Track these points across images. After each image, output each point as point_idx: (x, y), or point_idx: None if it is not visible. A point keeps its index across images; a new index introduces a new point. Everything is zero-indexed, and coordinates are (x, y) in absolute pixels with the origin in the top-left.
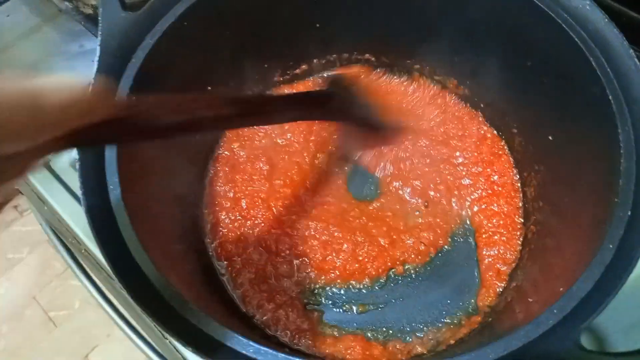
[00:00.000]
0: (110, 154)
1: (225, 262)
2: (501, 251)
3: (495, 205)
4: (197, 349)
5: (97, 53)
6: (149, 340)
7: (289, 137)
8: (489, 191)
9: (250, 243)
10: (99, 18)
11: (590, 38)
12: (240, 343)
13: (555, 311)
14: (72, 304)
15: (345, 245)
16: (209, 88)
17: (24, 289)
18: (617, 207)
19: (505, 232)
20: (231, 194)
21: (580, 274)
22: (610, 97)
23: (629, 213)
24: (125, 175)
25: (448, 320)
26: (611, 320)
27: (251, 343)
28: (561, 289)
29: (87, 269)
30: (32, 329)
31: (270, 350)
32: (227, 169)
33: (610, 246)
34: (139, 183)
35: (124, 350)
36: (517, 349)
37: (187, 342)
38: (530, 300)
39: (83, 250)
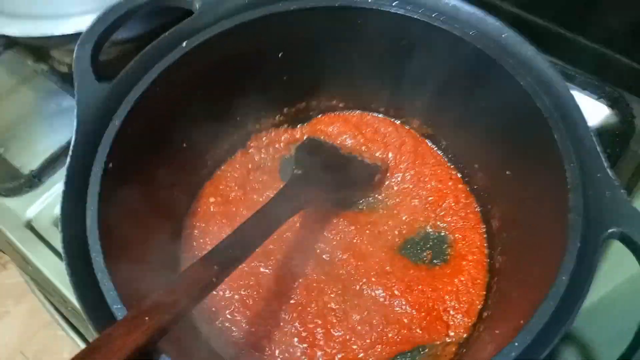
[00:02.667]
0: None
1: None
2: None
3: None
4: None
5: (75, 124)
6: None
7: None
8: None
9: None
10: (75, 91)
11: (535, 82)
12: None
13: (516, 344)
14: (60, 355)
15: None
16: (184, 145)
17: (11, 342)
18: (569, 240)
19: (473, 263)
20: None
21: (539, 305)
22: (555, 137)
23: (578, 245)
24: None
25: (427, 350)
26: (596, 331)
27: None
28: (521, 321)
29: (73, 322)
30: None
31: None
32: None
33: (564, 278)
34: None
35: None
36: None
37: None
38: (497, 332)
39: (69, 308)
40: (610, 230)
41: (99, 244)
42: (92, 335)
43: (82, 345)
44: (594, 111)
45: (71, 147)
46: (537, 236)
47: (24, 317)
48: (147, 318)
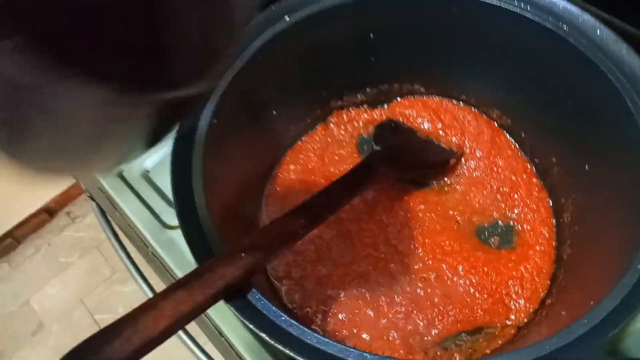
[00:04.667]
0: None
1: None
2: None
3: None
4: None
5: None
6: (196, 338)
7: None
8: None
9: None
10: None
11: (626, 79)
12: (304, 333)
13: (585, 321)
14: (116, 309)
15: None
16: (274, 113)
17: (74, 291)
18: None
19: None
20: None
21: (609, 292)
22: None
23: None
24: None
25: (486, 330)
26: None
27: (314, 334)
28: (592, 303)
29: (144, 272)
30: (79, 330)
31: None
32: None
33: (639, 267)
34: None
35: (172, 348)
36: (545, 354)
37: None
38: (563, 313)
39: (150, 253)
40: None
41: (203, 186)
42: (168, 282)
43: (150, 294)
44: None
45: None
46: (611, 231)
47: (86, 270)
48: (243, 254)
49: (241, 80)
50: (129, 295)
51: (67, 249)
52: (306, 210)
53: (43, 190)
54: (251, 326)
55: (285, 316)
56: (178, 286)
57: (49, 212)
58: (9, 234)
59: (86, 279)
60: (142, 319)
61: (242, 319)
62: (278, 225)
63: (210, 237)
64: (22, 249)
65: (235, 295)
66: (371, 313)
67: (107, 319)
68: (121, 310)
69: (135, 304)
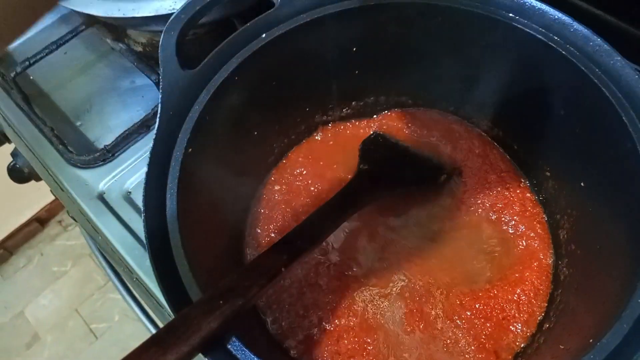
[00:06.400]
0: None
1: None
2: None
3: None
4: None
5: (159, 109)
6: None
7: None
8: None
9: None
10: (160, 77)
11: (621, 93)
12: None
13: None
14: (112, 317)
15: None
16: (255, 133)
17: (67, 301)
18: None
19: (536, 273)
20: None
21: (610, 325)
22: None
23: None
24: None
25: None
26: None
27: None
28: (591, 340)
29: (129, 285)
30: (74, 340)
31: None
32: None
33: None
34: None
35: None
36: None
37: None
38: (561, 347)
39: (135, 279)
40: None
41: (177, 226)
42: (152, 302)
43: (136, 309)
44: None
45: (155, 132)
46: (610, 252)
47: (80, 278)
48: (221, 301)
49: (216, 104)
50: (124, 302)
51: (59, 258)
52: (288, 245)
53: (33, 199)
54: None
55: None
56: (151, 344)
57: (40, 221)
58: (0, 245)
59: (80, 288)
60: None
61: None
62: (258, 265)
63: (187, 279)
64: (14, 260)
65: (213, 347)
66: (369, 340)
67: (103, 328)
68: (117, 319)
69: (131, 313)
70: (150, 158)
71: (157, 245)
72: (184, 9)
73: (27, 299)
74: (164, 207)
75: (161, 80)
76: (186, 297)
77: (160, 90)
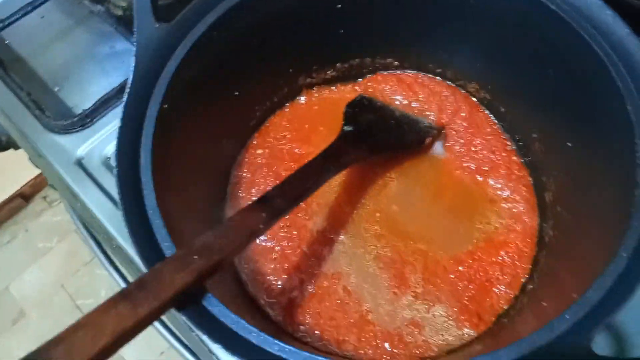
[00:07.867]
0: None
1: None
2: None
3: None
4: (223, 345)
5: (133, 63)
6: (174, 330)
7: None
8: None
9: None
10: (134, 29)
11: (612, 49)
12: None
13: (567, 317)
14: (98, 293)
15: None
16: (236, 94)
17: (53, 277)
18: (632, 217)
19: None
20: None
21: (593, 281)
22: (629, 108)
23: None
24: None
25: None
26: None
27: (276, 342)
28: (574, 295)
29: (115, 260)
30: (60, 316)
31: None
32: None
33: (624, 255)
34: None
35: (149, 339)
36: (528, 352)
37: (212, 337)
38: (544, 304)
39: (115, 246)
40: None
41: (152, 180)
42: (136, 273)
43: (122, 284)
44: None
45: (128, 86)
46: (595, 212)
47: (66, 254)
48: (196, 257)
49: (194, 60)
50: (111, 278)
51: (45, 234)
52: (267, 204)
53: (17, 175)
54: (206, 337)
55: (244, 322)
56: (120, 298)
57: (24, 197)
58: None
59: (66, 264)
60: (78, 338)
61: (195, 329)
62: (236, 222)
63: (161, 235)
64: None
65: (188, 302)
66: (350, 304)
67: (89, 304)
68: (104, 294)
69: (117, 288)
70: (124, 112)
71: (130, 201)
72: None
73: (12, 275)
74: (139, 165)
75: (135, 32)
76: (160, 255)
77: (135, 44)
